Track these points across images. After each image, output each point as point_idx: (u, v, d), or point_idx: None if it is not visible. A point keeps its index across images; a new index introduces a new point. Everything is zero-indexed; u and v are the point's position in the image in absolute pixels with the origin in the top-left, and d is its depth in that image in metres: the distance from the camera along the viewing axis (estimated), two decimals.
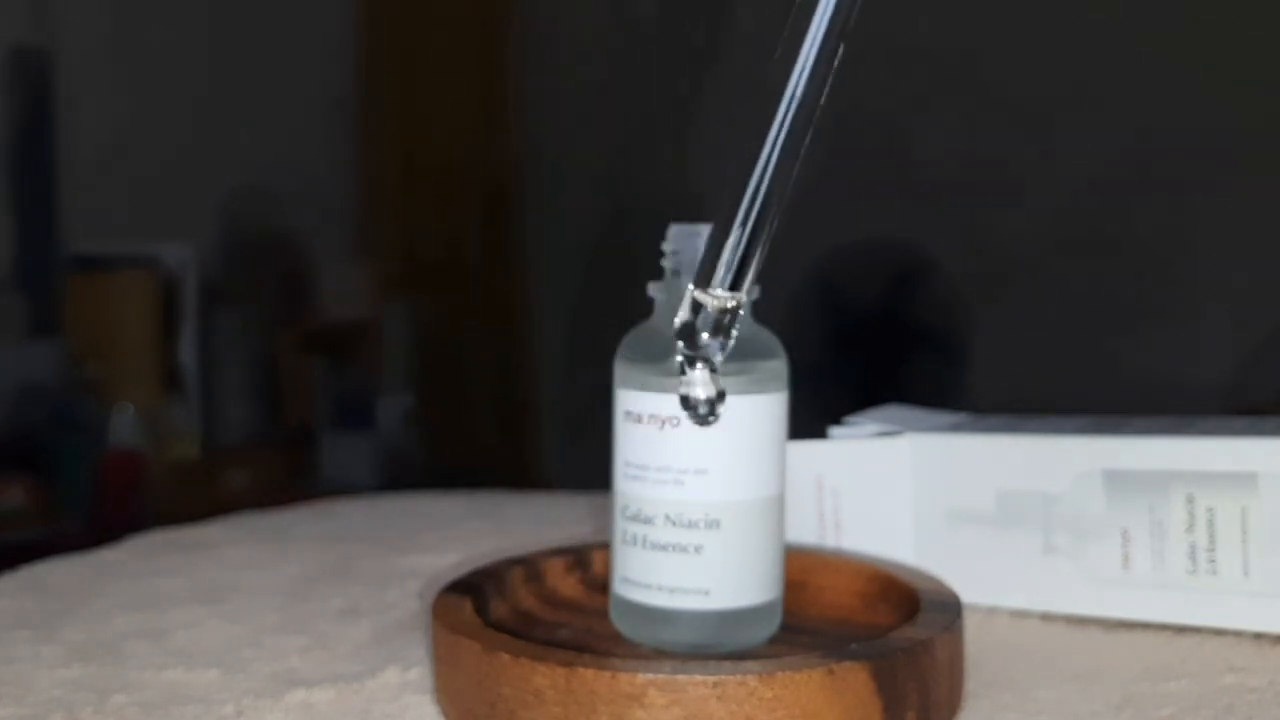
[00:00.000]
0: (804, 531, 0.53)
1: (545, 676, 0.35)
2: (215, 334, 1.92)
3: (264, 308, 2.01)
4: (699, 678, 0.34)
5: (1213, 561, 0.45)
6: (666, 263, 0.42)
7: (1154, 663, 0.44)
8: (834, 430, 0.54)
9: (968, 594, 0.46)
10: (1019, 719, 0.39)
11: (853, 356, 1.67)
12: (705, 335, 0.37)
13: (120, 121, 1.75)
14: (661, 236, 0.42)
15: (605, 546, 0.46)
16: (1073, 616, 0.49)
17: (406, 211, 2.06)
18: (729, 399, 0.40)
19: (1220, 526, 0.45)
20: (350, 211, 2.08)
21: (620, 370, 0.42)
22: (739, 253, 0.36)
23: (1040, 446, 0.49)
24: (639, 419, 0.41)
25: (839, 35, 0.34)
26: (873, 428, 0.53)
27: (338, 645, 0.47)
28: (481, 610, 0.42)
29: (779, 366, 0.42)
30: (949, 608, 0.41)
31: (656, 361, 0.41)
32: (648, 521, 0.41)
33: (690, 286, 0.37)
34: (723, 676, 0.34)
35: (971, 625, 0.45)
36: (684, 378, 0.38)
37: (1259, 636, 0.46)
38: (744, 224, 0.35)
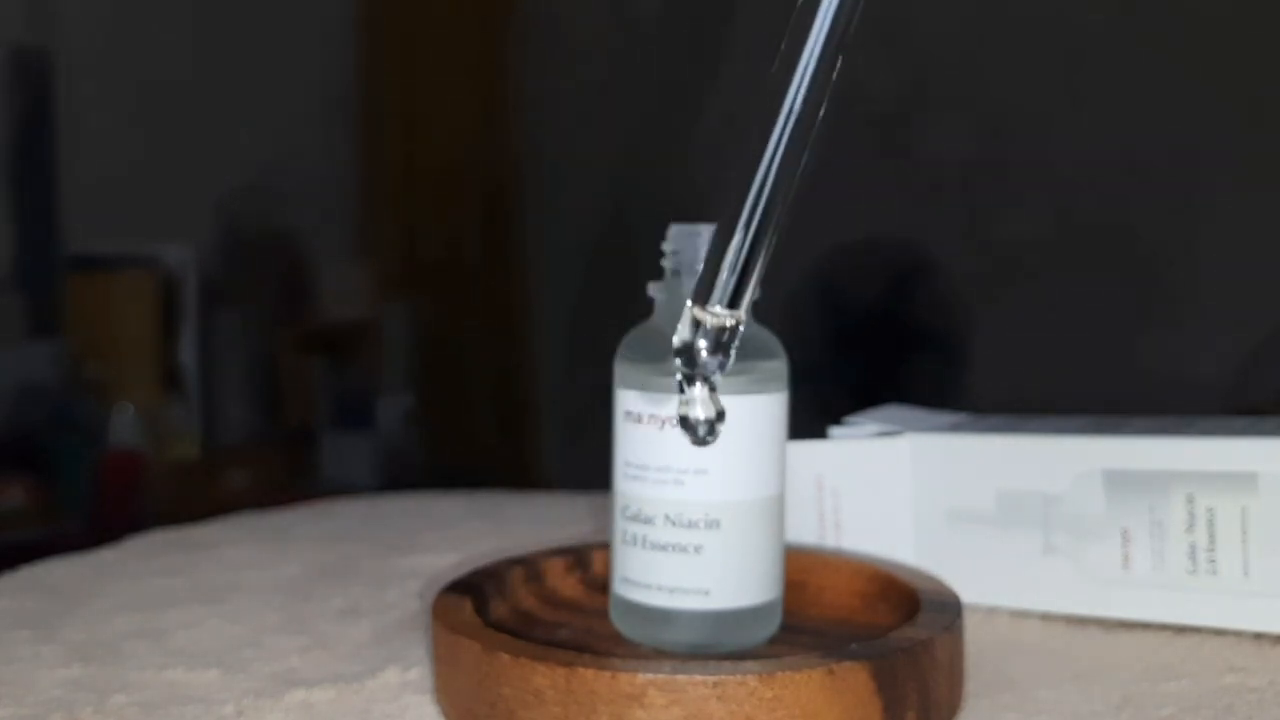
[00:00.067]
0: (804, 531, 0.53)
1: (545, 676, 0.35)
2: (215, 334, 1.92)
3: (264, 308, 2.01)
4: (699, 678, 0.34)
5: (1213, 561, 0.45)
6: (666, 263, 0.42)
7: (1154, 663, 0.44)
8: (834, 430, 0.54)
9: (968, 594, 0.46)
10: (1019, 719, 0.39)
11: (853, 356, 1.67)
12: (704, 353, 0.36)
13: (120, 121, 1.75)
14: (661, 236, 0.42)
15: (605, 546, 0.46)
16: (1073, 616, 0.48)
17: (406, 211, 2.06)
18: (729, 399, 0.40)
19: (1220, 526, 0.45)
20: (350, 211, 2.08)
21: (620, 370, 0.42)
22: (738, 270, 0.36)
23: (1040, 446, 0.49)
24: (639, 419, 0.41)
25: (837, 47, 0.34)
26: (873, 428, 0.53)
27: (338, 645, 0.47)
28: (481, 610, 0.42)
29: (779, 366, 0.42)
30: (949, 608, 0.41)
31: (656, 361, 0.41)
32: (648, 521, 0.41)
33: (689, 304, 0.36)
34: (723, 676, 0.34)
35: (971, 625, 0.45)
36: (682, 396, 0.37)
37: (1259, 636, 0.46)
38: (742, 241, 0.35)
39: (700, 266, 0.40)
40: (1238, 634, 0.46)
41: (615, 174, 1.84)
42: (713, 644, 0.41)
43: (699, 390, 0.37)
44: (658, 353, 0.41)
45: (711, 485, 0.40)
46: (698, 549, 0.40)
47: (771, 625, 0.42)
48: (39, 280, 1.77)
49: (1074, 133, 1.47)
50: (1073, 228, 1.50)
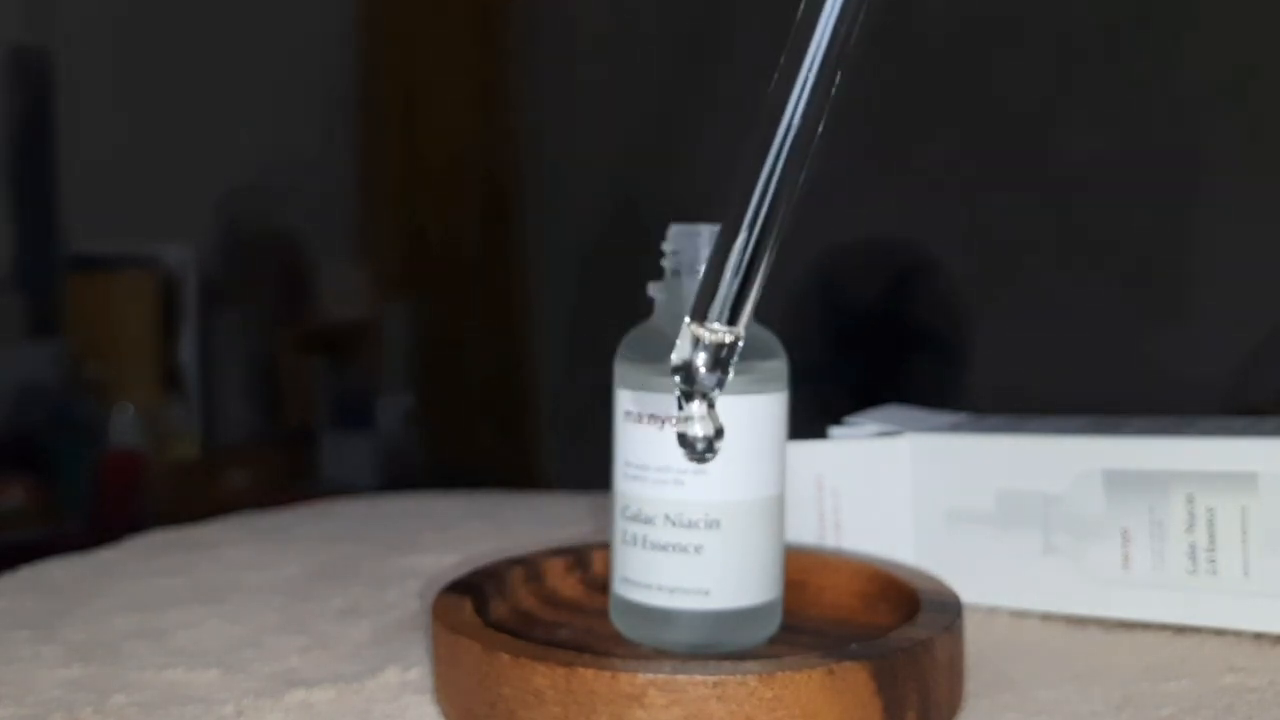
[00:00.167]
0: (804, 531, 0.53)
1: (545, 676, 0.35)
2: (215, 334, 1.92)
3: (264, 308, 2.01)
4: (699, 678, 0.34)
5: (1213, 561, 0.45)
6: (666, 263, 0.42)
7: (1154, 663, 0.44)
8: (834, 430, 0.54)
9: (968, 594, 0.46)
10: (1019, 719, 0.39)
11: (853, 356, 1.67)
12: (703, 370, 0.36)
13: (120, 121, 1.75)
14: (661, 236, 0.42)
15: (605, 546, 0.46)
16: (1073, 616, 0.48)
17: (406, 211, 2.06)
18: (729, 399, 0.40)
19: (1220, 526, 0.45)
20: (350, 211, 2.08)
21: (620, 370, 0.42)
22: (736, 287, 0.36)
23: (1040, 446, 0.49)
24: (639, 419, 0.41)
25: (836, 64, 0.34)
26: (873, 428, 0.53)
27: (338, 645, 0.47)
28: (481, 610, 0.42)
29: (779, 366, 0.42)
30: (949, 608, 0.41)
31: (656, 361, 0.41)
32: (648, 521, 0.41)
33: (687, 321, 0.36)
34: (723, 676, 0.34)
35: (971, 625, 0.45)
36: (680, 413, 0.37)
37: (1259, 636, 0.46)
38: (740, 258, 0.35)
39: (701, 267, 0.41)
40: (1238, 634, 0.46)
41: (615, 174, 1.84)
42: (713, 644, 0.41)
43: (697, 407, 0.37)
44: (658, 353, 0.41)
45: (711, 485, 0.40)
46: (698, 549, 0.40)
47: (771, 625, 0.42)
48: (39, 280, 1.77)
49: (1074, 132, 1.47)
50: (1073, 228, 1.50)
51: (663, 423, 0.40)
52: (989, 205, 1.52)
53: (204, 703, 0.41)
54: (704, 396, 0.37)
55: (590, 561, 0.49)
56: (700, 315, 0.36)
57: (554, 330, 2.00)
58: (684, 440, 0.37)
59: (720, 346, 0.36)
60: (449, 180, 2.02)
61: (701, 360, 0.36)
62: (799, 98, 0.34)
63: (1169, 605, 0.46)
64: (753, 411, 0.41)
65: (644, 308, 0.43)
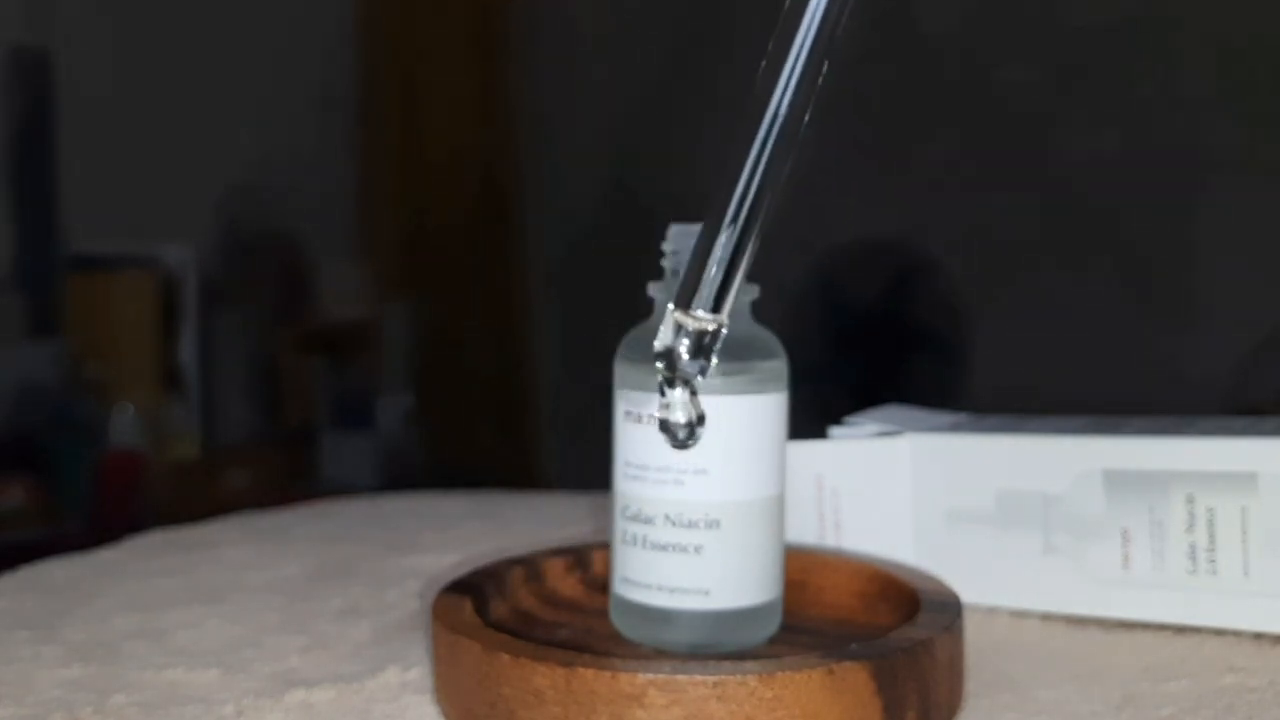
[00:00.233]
0: (804, 531, 0.53)
1: (545, 676, 0.35)
2: (215, 334, 1.92)
3: (264, 308, 2.01)
4: (699, 678, 0.34)
5: (1213, 561, 0.45)
6: (666, 263, 0.42)
7: (1154, 663, 0.44)
8: (834, 430, 0.54)
9: (968, 594, 0.46)
10: (1019, 719, 0.39)
11: (853, 356, 1.67)
12: (686, 357, 0.36)
13: (120, 121, 1.75)
14: (662, 236, 0.42)
15: (605, 546, 0.46)
16: (1073, 616, 0.48)
17: (406, 211, 2.06)
18: (730, 399, 0.40)
19: (1220, 526, 0.45)
20: (350, 211, 2.08)
21: (620, 370, 0.42)
22: (720, 274, 0.36)
23: (1040, 446, 0.49)
24: (639, 419, 0.41)
25: (822, 55, 0.34)
26: (873, 428, 0.53)
27: (338, 645, 0.47)
28: (481, 610, 0.42)
29: (779, 366, 0.42)
30: (949, 608, 0.41)
31: None
32: (648, 521, 0.41)
33: (670, 307, 0.36)
34: (723, 676, 0.34)
35: (971, 625, 0.45)
36: (662, 400, 0.37)
37: (1259, 636, 0.46)
38: (725, 245, 0.35)
39: None
40: (1238, 634, 0.46)
41: (615, 174, 1.84)
42: (713, 644, 0.41)
43: (679, 394, 0.37)
44: None
45: (711, 485, 0.40)
46: (698, 549, 0.40)
47: (771, 625, 0.42)
48: (39, 280, 1.77)
49: (1074, 132, 1.47)
50: (1073, 228, 1.50)
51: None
52: (989, 205, 1.52)
53: (204, 703, 0.41)
54: (686, 383, 0.37)
55: (590, 561, 0.49)
56: (684, 303, 0.36)
57: (554, 330, 2.00)
58: (665, 427, 0.38)
59: (703, 334, 0.36)
60: (449, 180, 2.02)
61: (684, 347, 0.36)
62: (785, 88, 0.34)
63: (1169, 605, 0.46)
64: (753, 411, 0.41)
65: (644, 308, 0.43)
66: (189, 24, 1.79)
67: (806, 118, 0.34)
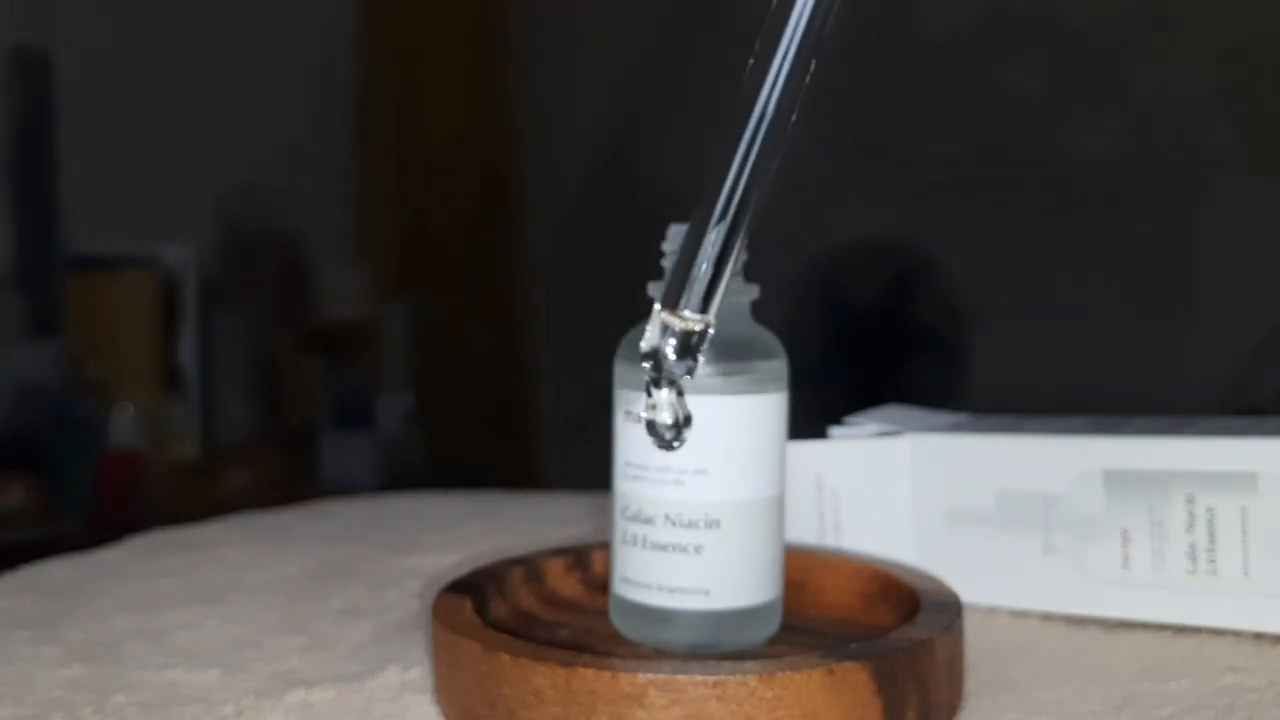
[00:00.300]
0: (804, 531, 0.53)
1: (545, 676, 0.35)
2: (215, 334, 1.92)
3: (264, 308, 2.01)
4: (699, 678, 0.34)
5: (1213, 561, 0.45)
6: (666, 263, 0.42)
7: (1154, 663, 0.44)
8: (834, 430, 0.54)
9: (968, 594, 0.46)
10: (1019, 719, 0.39)
11: (853, 356, 1.67)
12: (671, 357, 0.36)
13: (120, 121, 1.75)
14: (662, 236, 0.42)
15: (605, 546, 0.46)
16: (1073, 616, 0.48)
17: (406, 211, 2.06)
18: (730, 399, 0.40)
19: (1220, 526, 0.45)
20: (350, 211, 2.08)
21: (620, 370, 0.42)
22: (707, 274, 0.36)
23: (1040, 446, 0.49)
24: (639, 419, 0.41)
25: (810, 53, 0.34)
26: (873, 428, 0.53)
27: (338, 645, 0.47)
28: (481, 610, 0.42)
29: (779, 366, 0.42)
30: (949, 608, 0.41)
31: None
32: (648, 521, 0.41)
33: (657, 308, 0.36)
34: (723, 676, 0.34)
35: (971, 625, 0.45)
36: (649, 400, 0.37)
37: (1259, 636, 0.46)
38: (712, 245, 0.35)
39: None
40: (1238, 634, 0.46)
41: (615, 174, 1.84)
42: (713, 644, 0.41)
43: (665, 394, 0.37)
44: None
45: (711, 485, 0.40)
46: (698, 549, 0.40)
47: (771, 625, 0.42)
48: (39, 280, 1.77)
49: (1074, 133, 1.47)
50: (1073, 228, 1.50)
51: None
52: (989, 205, 1.52)
53: (204, 703, 0.41)
54: (672, 383, 0.37)
55: (590, 561, 0.49)
56: (671, 303, 0.36)
57: (554, 330, 2.00)
58: (652, 428, 0.37)
59: (690, 334, 0.36)
60: (449, 180, 2.02)
61: (670, 347, 0.36)
62: (772, 86, 0.34)
63: (1169, 605, 0.46)
64: (753, 411, 0.41)
65: (644, 308, 0.43)
66: (189, 24, 1.79)
67: (794, 116, 0.34)
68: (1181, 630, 0.47)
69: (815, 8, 0.33)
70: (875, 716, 0.35)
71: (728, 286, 0.40)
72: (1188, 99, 1.40)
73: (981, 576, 0.49)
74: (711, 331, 0.36)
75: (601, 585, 0.47)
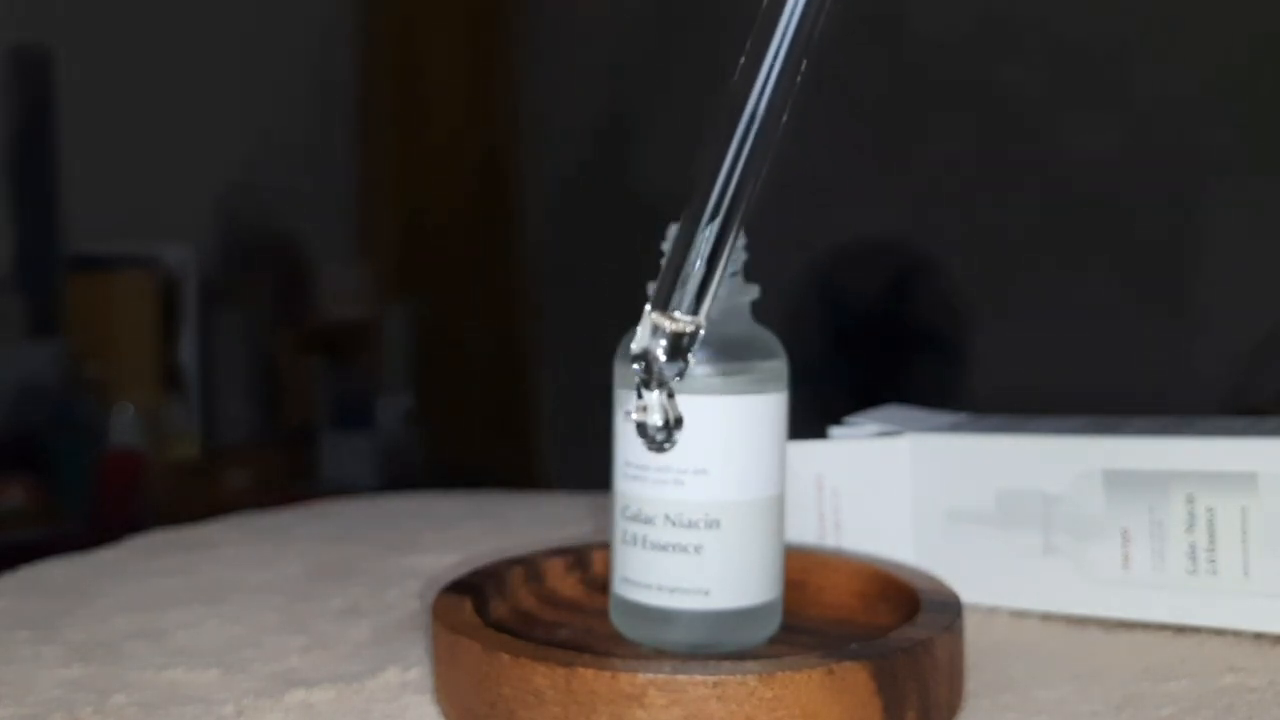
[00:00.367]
0: (804, 531, 0.53)
1: (545, 676, 0.35)
2: (215, 334, 1.92)
3: (264, 308, 2.01)
4: (699, 678, 0.34)
5: (1213, 561, 0.45)
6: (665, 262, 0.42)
7: (1154, 663, 0.43)
8: (834, 430, 0.54)
9: (968, 594, 0.46)
10: (1019, 719, 0.39)
11: (853, 356, 1.67)
12: (662, 359, 0.36)
13: (120, 121, 1.75)
14: (662, 236, 0.42)
15: (605, 546, 0.46)
16: (1073, 616, 0.48)
17: (405, 211, 2.06)
18: (730, 399, 0.40)
19: (1220, 526, 0.45)
20: (350, 211, 2.08)
21: (620, 370, 0.42)
22: (699, 276, 0.35)
23: (1040, 446, 0.49)
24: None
25: (801, 52, 0.34)
26: (873, 428, 0.53)
27: (338, 645, 0.47)
28: (481, 610, 0.42)
29: (779, 366, 0.42)
30: (949, 608, 0.41)
31: None
32: (648, 521, 0.41)
33: (647, 309, 0.36)
34: (723, 676, 0.34)
35: (971, 625, 0.45)
36: (639, 402, 0.37)
37: (1259, 636, 0.45)
38: (704, 247, 0.35)
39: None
40: (1238, 634, 0.46)
41: (615, 174, 1.84)
42: (713, 644, 0.41)
43: (656, 396, 0.37)
44: None
45: (711, 485, 0.40)
46: (698, 549, 0.40)
47: (771, 625, 0.42)
48: (39, 280, 1.77)
49: (1074, 133, 1.47)
50: (1073, 228, 1.50)
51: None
52: (989, 205, 1.52)
53: (204, 703, 0.41)
54: (662, 385, 0.37)
55: (590, 561, 0.49)
56: (662, 304, 0.36)
57: (554, 330, 2.00)
58: (642, 430, 0.37)
59: (680, 335, 0.36)
60: (449, 180, 2.02)
61: (660, 348, 0.36)
62: (764, 84, 0.34)
63: (1169, 605, 0.46)
64: (753, 411, 0.41)
65: (644, 307, 0.43)
66: (189, 24, 1.79)
67: (785, 115, 0.34)
68: (1181, 630, 0.47)
69: (807, 6, 0.33)
70: (875, 716, 0.35)
71: (728, 287, 0.40)
72: (1188, 99, 1.40)
73: (981, 576, 0.49)
74: (703, 333, 0.36)
75: (601, 585, 0.47)
